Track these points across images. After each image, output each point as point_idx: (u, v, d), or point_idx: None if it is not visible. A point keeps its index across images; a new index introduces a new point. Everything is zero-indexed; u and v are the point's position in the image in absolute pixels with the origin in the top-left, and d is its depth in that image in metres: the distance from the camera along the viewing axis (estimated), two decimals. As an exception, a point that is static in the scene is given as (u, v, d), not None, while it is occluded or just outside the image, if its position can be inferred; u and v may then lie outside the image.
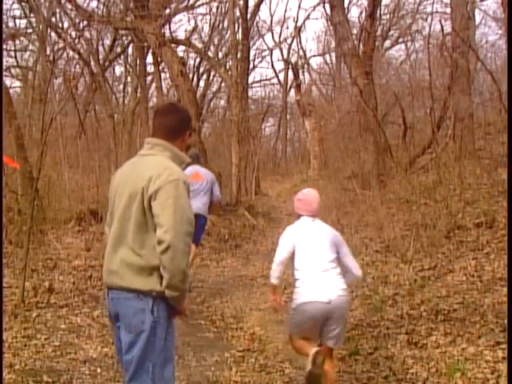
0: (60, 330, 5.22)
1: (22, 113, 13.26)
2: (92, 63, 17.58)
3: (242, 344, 5.28)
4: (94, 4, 31.88)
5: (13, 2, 17.12)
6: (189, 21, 33.65)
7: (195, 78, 22.54)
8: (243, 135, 14.86)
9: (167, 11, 14.92)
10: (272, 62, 37.09)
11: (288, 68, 25.13)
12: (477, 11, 21.10)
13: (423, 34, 21.71)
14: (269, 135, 31.07)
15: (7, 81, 20.33)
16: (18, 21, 18.62)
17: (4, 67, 17.80)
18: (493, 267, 6.09)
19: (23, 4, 16.87)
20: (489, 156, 10.33)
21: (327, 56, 29.12)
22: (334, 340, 3.90)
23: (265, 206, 14.94)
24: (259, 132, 23.72)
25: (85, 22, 16.07)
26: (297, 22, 33.40)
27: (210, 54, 21.12)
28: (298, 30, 26.82)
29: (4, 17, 15.19)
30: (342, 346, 5.03)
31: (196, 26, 21.22)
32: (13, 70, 21.42)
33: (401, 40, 26.32)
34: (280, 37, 29.02)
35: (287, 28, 52.20)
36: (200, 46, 20.33)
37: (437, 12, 21.86)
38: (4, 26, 15.12)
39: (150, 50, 16.23)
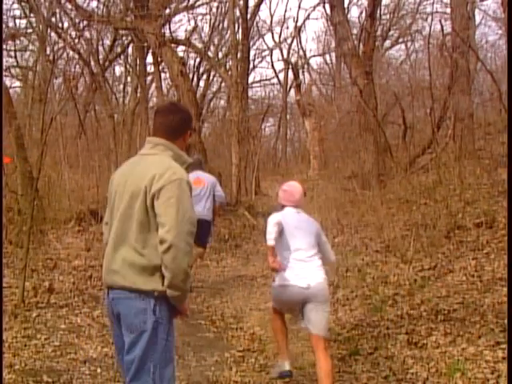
0: (60, 330, 5.22)
1: (22, 113, 13.26)
2: (92, 63, 17.58)
3: (242, 344, 5.28)
4: (94, 4, 31.83)
5: (13, 2, 17.17)
6: (189, 21, 33.60)
7: (195, 78, 22.54)
8: (243, 135, 14.86)
9: (167, 11, 14.93)
10: (272, 62, 37.11)
11: (288, 68, 25.14)
12: (477, 11, 21.11)
13: (423, 34, 21.73)
14: (269, 135, 31.09)
15: (7, 81, 20.36)
16: (18, 21, 18.65)
17: (4, 67, 17.81)
18: (493, 267, 6.09)
19: (23, 4, 16.87)
20: (489, 156, 10.33)
21: (327, 56, 29.15)
22: (316, 327, 4.02)
23: (265, 206, 14.92)
24: (259, 132, 23.71)
25: (85, 22, 16.07)
26: (297, 22, 33.34)
27: (210, 54, 21.12)
28: (298, 30, 26.84)
29: (4, 17, 15.19)
30: (341, 346, 5.06)
31: (196, 26, 21.22)
32: (13, 70, 21.44)
33: (401, 40, 26.32)
34: (280, 37, 29.03)
35: (287, 28, 52.18)
36: (200, 46, 20.33)
37: (437, 12, 21.87)
38: (4, 25, 15.13)
39: (150, 50, 16.23)
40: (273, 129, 30.93)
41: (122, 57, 21.50)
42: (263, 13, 58.61)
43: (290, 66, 23.11)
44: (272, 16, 28.02)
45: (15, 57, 20.41)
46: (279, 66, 45.67)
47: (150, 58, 18.39)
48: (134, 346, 2.61)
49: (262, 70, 62.72)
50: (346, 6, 19.79)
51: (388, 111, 15.75)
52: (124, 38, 19.30)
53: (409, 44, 25.33)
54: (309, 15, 48.72)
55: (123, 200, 2.70)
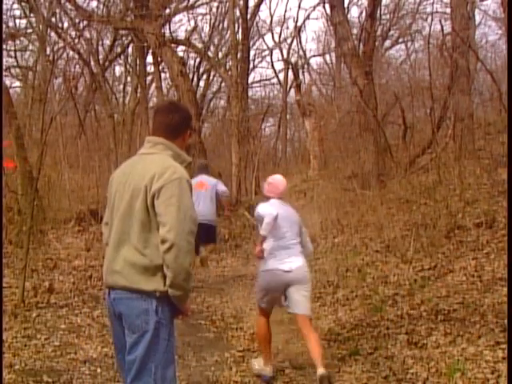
0: (60, 330, 5.22)
1: (21, 113, 13.26)
2: (92, 63, 17.60)
3: (241, 344, 5.29)
4: (93, 4, 31.80)
5: (13, 2, 17.17)
6: (189, 21, 33.68)
7: (195, 78, 22.54)
8: (243, 135, 14.87)
9: (167, 11, 14.95)
10: (272, 62, 37.22)
11: (288, 68, 25.09)
12: (477, 11, 21.06)
13: (423, 33, 21.73)
14: (269, 135, 31.04)
15: (7, 81, 20.36)
16: (18, 21, 18.67)
17: (4, 67, 17.81)
18: (493, 267, 6.09)
19: (23, 4, 16.88)
20: (489, 156, 10.32)
21: (327, 56, 29.10)
22: (300, 307, 4.37)
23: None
24: (259, 132, 23.69)
25: (85, 22, 16.10)
26: (297, 22, 33.36)
27: (210, 54, 21.12)
28: (298, 30, 26.79)
29: (4, 17, 15.20)
30: (341, 346, 5.07)
31: (196, 26, 21.26)
32: (13, 70, 21.45)
33: (401, 40, 26.29)
34: (280, 37, 28.99)
35: (287, 28, 52.26)
36: (200, 46, 20.34)
37: (437, 12, 21.87)
38: (4, 25, 15.13)
39: (150, 50, 16.23)
40: (273, 129, 30.90)
41: (122, 57, 21.54)
42: (263, 13, 58.64)
43: (290, 66, 23.05)
44: (272, 16, 27.98)
45: (15, 57, 20.42)
46: (279, 66, 45.69)
47: (150, 58, 18.42)
48: (135, 346, 2.61)
49: (261, 70, 62.63)
50: (346, 5, 19.77)
51: (388, 111, 15.73)
52: (124, 38, 19.31)
53: (409, 44, 25.34)
54: (309, 15, 48.85)
55: (123, 200, 2.69)
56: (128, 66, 22.18)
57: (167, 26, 17.08)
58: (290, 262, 4.37)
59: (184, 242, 2.55)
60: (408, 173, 10.55)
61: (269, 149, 28.18)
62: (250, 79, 24.83)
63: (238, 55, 15.67)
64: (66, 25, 18.01)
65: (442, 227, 7.61)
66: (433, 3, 25.01)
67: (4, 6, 15.29)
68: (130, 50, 20.48)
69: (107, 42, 19.67)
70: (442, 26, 13.06)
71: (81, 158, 12.76)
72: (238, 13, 16.27)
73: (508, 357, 3.36)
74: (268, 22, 34.68)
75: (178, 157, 2.78)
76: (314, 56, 41.66)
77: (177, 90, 13.96)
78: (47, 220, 9.27)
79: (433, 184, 9.38)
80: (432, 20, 20.31)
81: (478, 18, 23.32)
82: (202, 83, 24.17)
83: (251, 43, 21.92)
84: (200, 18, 23.26)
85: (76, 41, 16.85)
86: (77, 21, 16.52)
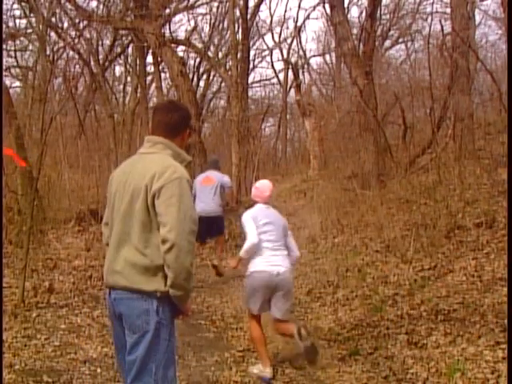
0: (60, 330, 5.22)
1: (21, 113, 13.25)
2: (92, 63, 17.61)
3: (241, 344, 5.28)
4: (93, 4, 31.82)
5: (13, 2, 17.16)
6: (189, 21, 33.67)
7: (195, 78, 22.55)
8: (243, 135, 14.86)
9: (167, 11, 14.94)
10: (272, 62, 37.28)
11: (288, 68, 25.08)
12: (477, 11, 21.05)
13: (423, 33, 21.73)
14: (269, 135, 31.04)
15: (7, 81, 20.38)
16: (18, 21, 18.68)
17: (4, 67, 17.81)
18: (493, 267, 6.08)
19: (23, 4, 16.88)
20: (489, 156, 10.31)
21: (327, 56, 29.11)
22: (281, 312, 4.56)
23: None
24: (259, 132, 23.71)
25: (85, 22, 16.10)
26: (297, 22, 33.35)
27: (210, 54, 21.11)
28: (298, 30, 26.78)
29: (4, 17, 15.21)
30: (341, 346, 5.07)
31: (196, 26, 21.27)
32: (13, 70, 21.46)
33: (401, 40, 26.30)
34: (280, 37, 28.99)
35: (287, 28, 52.33)
36: (200, 46, 20.34)
37: (437, 12, 21.89)
38: (4, 26, 15.14)
39: (150, 50, 16.24)
40: (273, 129, 30.89)
41: (122, 57, 21.54)
42: (263, 13, 58.57)
43: (290, 66, 23.05)
44: (272, 16, 27.99)
45: (15, 57, 20.43)
46: (279, 66, 45.74)
47: (150, 58, 18.44)
48: (136, 346, 2.61)
49: (261, 70, 62.61)
50: (346, 5, 19.77)
51: (388, 111, 15.71)
52: (124, 38, 19.31)
53: (409, 44, 25.34)
54: (309, 15, 48.86)
55: (124, 200, 2.69)
56: (128, 66, 22.18)
57: (167, 26, 17.11)
58: (278, 266, 4.49)
59: (185, 241, 2.55)
60: (408, 173, 10.54)
61: (269, 149, 28.17)
62: (250, 79, 24.87)
63: (238, 55, 15.66)
64: (65, 25, 18.02)
65: (442, 227, 7.60)
66: (433, 3, 25.00)
67: (4, 6, 15.31)
68: (130, 50, 20.51)
69: (107, 42, 19.68)
70: (441, 26, 13.05)
71: (81, 158, 12.76)
72: (238, 13, 16.26)
73: (508, 357, 3.36)
74: (268, 22, 34.77)
75: (177, 156, 2.78)
76: (314, 56, 41.80)
77: (177, 89, 13.96)
78: (47, 220, 9.27)
79: (433, 184, 9.37)
80: (432, 20, 20.37)
81: (478, 17, 23.37)
82: (202, 83, 24.21)
83: (251, 43, 21.93)
84: (200, 18, 23.31)
85: (76, 41, 16.86)
86: (77, 21, 16.52)
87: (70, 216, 9.90)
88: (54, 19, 16.83)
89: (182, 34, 24.90)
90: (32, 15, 16.23)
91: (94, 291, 6.56)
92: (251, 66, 24.25)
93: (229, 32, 18.68)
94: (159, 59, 16.23)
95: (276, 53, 45.69)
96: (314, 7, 31.66)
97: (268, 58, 42.83)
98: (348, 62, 12.65)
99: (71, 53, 17.85)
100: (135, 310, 2.61)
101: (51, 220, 9.41)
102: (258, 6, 20.99)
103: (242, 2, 16.22)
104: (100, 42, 18.89)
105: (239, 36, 16.47)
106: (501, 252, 6.35)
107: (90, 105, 19.69)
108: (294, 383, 4.42)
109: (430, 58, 11.70)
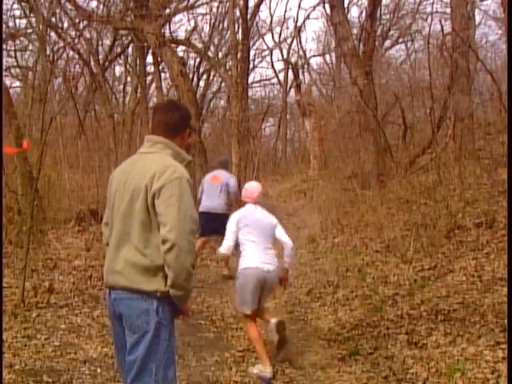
0: (60, 330, 5.22)
1: (21, 113, 13.25)
2: (92, 63, 17.59)
3: (241, 344, 5.28)
4: (93, 4, 31.81)
5: (13, 2, 17.15)
6: (189, 21, 33.68)
7: (195, 78, 22.52)
8: (243, 135, 14.83)
9: (167, 11, 14.93)
10: (272, 62, 37.22)
11: (288, 68, 25.09)
12: (477, 11, 21.05)
13: (423, 33, 21.72)
14: (269, 135, 31.03)
15: (7, 81, 20.37)
16: (18, 21, 18.67)
17: (4, 67, 17.82)
18: (493, 267, 6.08)
19: (23, 4, 16.88)
20: (489, 156, 10.31)
21: (327, 56, 29.10)
22: (263, 299, 4.85)
23: (265, 206, 14.89)
24: (259, 132, 23.70)
25: (85, 22, 16.09)
26: (297, 22, 33.35)
27: (210, 54, 21.09)
28: (298, 30, 26.77)
29: (4, 17, 15.20)
30: (341, 346, 5.08)
31: (196, 26, 21.24)
32: (13, 70, 21.45)
33: (401, 40, 26.30)
34: (280, 37, 28.97)
35: (287, 28, 52.30)
36: (200, 46, 20.31)
37: (437, 12, 21.89)
38: (4, 25, 15.13)
39: (150, 50, 16.23)
40: (273, 129, 30.88)
41: (122, 57, 21.52)
42: (263, 13, 58.47)
43: (290, 66, 23.06)
44: (272, 16, 27.97)
45: (15, 57, 20.43)
46: (279, 66, 45.70)
47: (150, 58, 18.41)
48: (136, 346, 2.61)
49: (262, 70, 62.58)
50: (346, 5, 19.76)
51: (388, 111, 15.71)
52: (124, 37, 19.30)
53: (409, 44, 25.34)
54: (309, 15, 48.82)
55: (124, 200, 2.68)
56: (128, 66, 22.17)
57: (167, 26, 17.08)
58: (267, 263, 4.69)
59: (185, 241, 2.54)
60: (408, 173, 10.54)
61: (269, 149, 28.17)
62: (250, 79, 24.86)
63: (238, 55, 15.62)
64: (65, 25, 18.00)
65: (442, 227, 7.60)
66: (433, 3, 25.00)
67: (4, 6, 15.30)
68: (130, 50, 20.48)
69: (107, 42, 19.67)
70: (442, 26, 13.05)
71: (81, 158, 12.75)
72: (238, 13, 16.22)
73: (508, 357, 3.36)
74: (268, 21, 34.74)
75: (177, 156, 2.78)
76: (314, 56, 41.76)
77: (177, 89, 13.95)
78: (47, 220, 9.26)
79: (433, 184, 9.37)
80: (432, 20, 20.39)
81: (478, 17, 23.36)
82: (202, 83, 24.18)
83: (251, 43, 21.90)
84: (200, 18, 23.28)
85: (76, 41, 16.84)
86: (77, 21, 16.51)
87: (69, 216, 9.89)
88: (54, 19, 16.82)
89: (182, 34, 24.90)
90: (32, 15, 16.23)
91: (94, 291, 6.55)
92: (251, 65, 24.26)
93: (229, 32, 18.65)
94: (159, 59, 16.21)
95: (276, 53, 45.69)
96: (314, 7, 31.69)
97: (268, 58, 42.86)
98: (348, 62, 12.66)
99: (71, 53, 17.85)
100: (135, 310, 2.61)
101: (51, 220, 9.41)
102: (258, 6, 20.96)
103: (241, 2, 16.19)
104: (100, 42, 18.89)
105: (239, 36, 16.43)
106: (501, 252, 6.34)
107: (89, 105, 19.69)
108: (294, 383, 4.42)
109: (430, 58, 11.70)
